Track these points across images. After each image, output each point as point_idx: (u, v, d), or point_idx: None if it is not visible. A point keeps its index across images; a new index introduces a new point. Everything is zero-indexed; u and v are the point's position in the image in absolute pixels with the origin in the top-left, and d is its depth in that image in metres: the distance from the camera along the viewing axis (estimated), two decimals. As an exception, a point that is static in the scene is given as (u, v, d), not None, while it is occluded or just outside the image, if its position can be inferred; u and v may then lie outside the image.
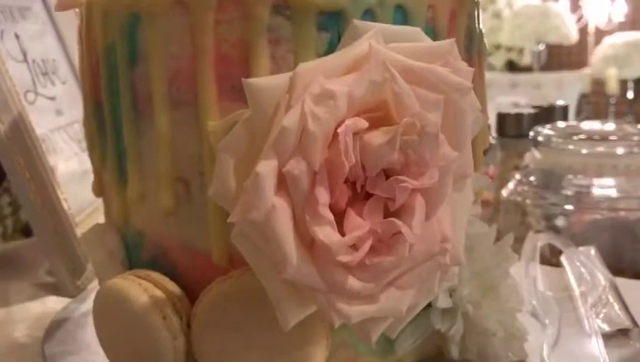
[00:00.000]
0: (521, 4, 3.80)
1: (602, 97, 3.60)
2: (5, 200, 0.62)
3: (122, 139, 0.30)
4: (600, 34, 3.69)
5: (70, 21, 0.57)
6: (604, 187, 0.55)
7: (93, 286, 0.42)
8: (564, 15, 3.62)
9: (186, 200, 0.29)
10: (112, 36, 0.29)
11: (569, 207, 0.56)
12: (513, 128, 0.72)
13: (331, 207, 0.23)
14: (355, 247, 0.23)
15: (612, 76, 3.46)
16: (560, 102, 0.78)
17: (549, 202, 0.57)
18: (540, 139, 0.60)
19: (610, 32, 3.61)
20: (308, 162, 0.22)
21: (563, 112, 0.78)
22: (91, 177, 0.51)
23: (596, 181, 0.55)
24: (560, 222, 0.60)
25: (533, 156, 0.62)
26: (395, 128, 0.23)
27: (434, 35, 0.29)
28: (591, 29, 3.75)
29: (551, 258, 0.55)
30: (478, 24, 0.33)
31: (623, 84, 3.52)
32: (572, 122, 0.65)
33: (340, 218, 0.23)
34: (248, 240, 0.23)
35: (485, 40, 0.34)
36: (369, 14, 0.27)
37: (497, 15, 3.91)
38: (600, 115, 3.65)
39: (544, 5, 3.67)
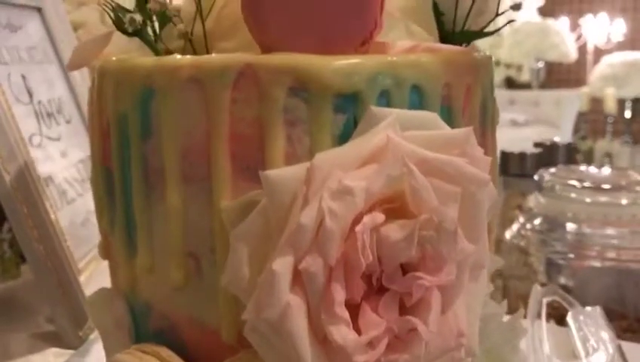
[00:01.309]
0: (521, 21, 3.82)
1: (600, 116, 3.61)
2: (7, 226, 0.62)
3: (132, 209, 0.30)
4: (599, 53, 3.71)
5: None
6: (608, 237, 0.55)
7: (95, 337, 0.42)
8: (563, 33, 3.64)
9: (196, 276, 0.28)
10: (125, 106, 0.29)
11: (572, 255, 0.56)
12: (517, 168, 0.73)
13: (346, 302, 0.23)
14: (371, 345, 0.22)
15: (610, 95, 3.48)
16: (562, 141, 0.78)
17: (552, 250, 0.57)
18: (543, 184, 0.60)
19: (609, 52, 3.63)
20: (324, 258, 0.22)
21: (566, 151, 0.78)
22: (94, 219, 0.50)
23: (600, 230, 0.55)
24: (563, 266, 0.60)
25: (537, 200, 0.62)
26: (413, 224, 0.23)
27: (449, 112, 0.29)
28: (590, 47, 3.77)
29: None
30: (492, 93, 0.33)
31: (621, 103, 3.54)
32: (576, 167, 0.64)
33: (354, 311, 0.23)
34: (262, 336, 0.23)
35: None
36: (385, 96, 0.27)
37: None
38: (597, 133, 3.67)
39: (544, 23, 3.68)
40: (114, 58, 0.30)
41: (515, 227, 0.63)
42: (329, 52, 0.27)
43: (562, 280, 0.64)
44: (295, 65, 0.26)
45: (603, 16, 3.70)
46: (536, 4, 3.94)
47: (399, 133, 0.25)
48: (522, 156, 0.71)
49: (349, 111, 0.27)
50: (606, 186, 0.56)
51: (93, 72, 0.31)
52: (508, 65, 3.70)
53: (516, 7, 0.37)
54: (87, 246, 0.48)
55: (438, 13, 0.36)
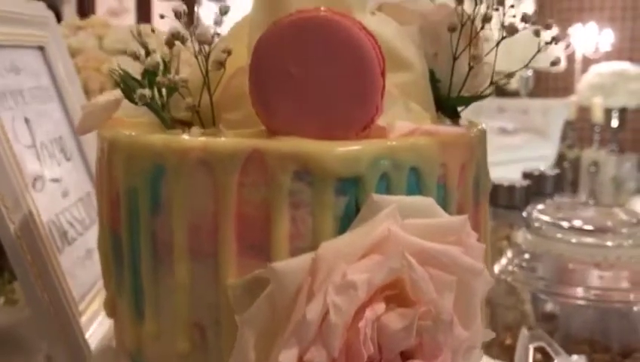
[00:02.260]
0: (510, 30, 3.85)
1: (587, 124, 3.65)
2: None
3: (140, 277, 0.31)
4: (587, 62, 3.74)
5: (78, 97, 0.58)
6: (594, 277, 0.57)
7: (95, 380, 0.43)
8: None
9: (201, 346, 0.29)
10: (135, 181, 0.30)
11: (557, 293, 0.58)
12: (506, 199, 0.74)
13: (347, 387, 0.24)
14: None
15: (597, 105, 3.52)
16: (550, 172, 0.80)
17: (539, 288, 0.59)
18: (531, 223, 0.61)
19: (597, 61, 3.66)
20: (328, 350, 0.23)
21: (554, 181, 0.80)
22: (93, 257, 0.51)
23: (585, 271, 0.57)
24: (548, 302, 0.62)
25: (524, 237, 0.63)
26: (412, 315, 0.24)
27: (445, 190, 0.30)
28: (578, 56, 3.81)
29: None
30: (485, 165, 0.35)
31: (608, 112, 3.58)
32: (564, 202, 0.66)
33: (354, 394, 0.24)
34: (268, 420, 0.24)
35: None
36: (385, 178, 0.28)
37: (487, 39, 3.95)
38: (585, 141, 3.71)
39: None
40: (125, 133, 0.31)
41: (503, 261, 0.65)
42: (333, 137, 0.28)
43: (548, 308, 0.65)
44: (300, 151, 0.27)
45: (592, 25, 3.73)
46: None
47: (399, 222, 0.26)
48: (511, 188, 0.73)
49: (351, 193, 0.28)
50: (592, 228, 0.58)
51: (102, 141, 0.32)
52: (497, 73, 3.73)
53: (509, 75, 0.38)
54: (86, 284, 0.49)
55: (434, 80, 0.37)
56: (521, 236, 0.65)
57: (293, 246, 0.28)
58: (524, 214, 0.64)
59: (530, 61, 0.38)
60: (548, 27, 0.35)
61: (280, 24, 0.28)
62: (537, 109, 3.62)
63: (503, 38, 0.36)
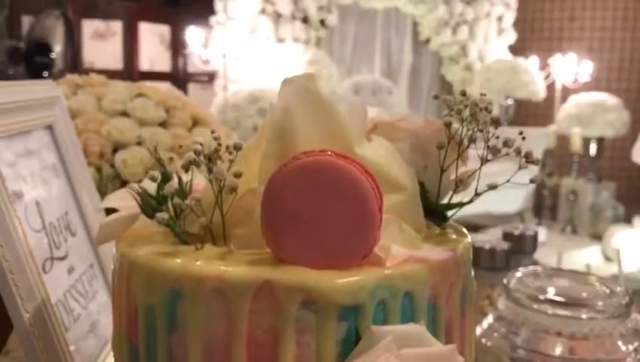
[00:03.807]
0: (492, 59, 3.94)
1: (566, 153, 3.73)
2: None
3: (155, 386, 0.33)
4: (566, 92, 3.84)
5: (82, 171, 0.61)
6: (569, 348, 0.60)
7: None
8: (533, 72, 3.77)
9: None
10: (153, 300, 0.33)
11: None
12: (487, 262, 0.78)
13: None
14: None
15: (576, 134, 3.60)
16: (530, 232, 0.84)
17: (518, 356, 0.62)
18: (510, 292, 0.65)
19: (576, 91, 3.76)
20: None
21: (533, 241, 0.84)
22: (95, 329, 0.54)
23: (560, 342, 0.61)
24: None
25: (505, 304, 0.67)
26: None
27: (435, 308, 0.34)
28: (558, 86, 3.90)
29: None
30: (470, 277, 0.38)
31: (586, 141, 3.67)
32: (541, 271, 0.70)
33: None
34: None
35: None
36: (382, 303, 0.32)
37: (469, 68, 4.04)
38: (563, 169, 3.79)
39: (514, 61, 3.80)
40: (144, 254, 0.34)
41: (485, 324, 0.68)
42: (335, 266, 0.31)
43: None
44: (306, 283, 0.30)
45: (571, 56, 3.83)
46: (507, 42, 4.08)
47: (395, 352, 0.29)
48: (492, 251, 0.77)
49: (351, 319, 0.31)
50: (566, 300, 0.61)
51: (121, 257, 0.35)
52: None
53: (492, 187, 0.42)
54: (91, 358, 0.51)
55: (424, 190, 0.41)
56: (502, 302, 0.69)
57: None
58: (505, 281, 0.67)
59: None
60: (528, 156, 0.39)
61: (289, 166, 0.31)
62: (518, 137, 3.69)
63: (487, 160, 0.40)
